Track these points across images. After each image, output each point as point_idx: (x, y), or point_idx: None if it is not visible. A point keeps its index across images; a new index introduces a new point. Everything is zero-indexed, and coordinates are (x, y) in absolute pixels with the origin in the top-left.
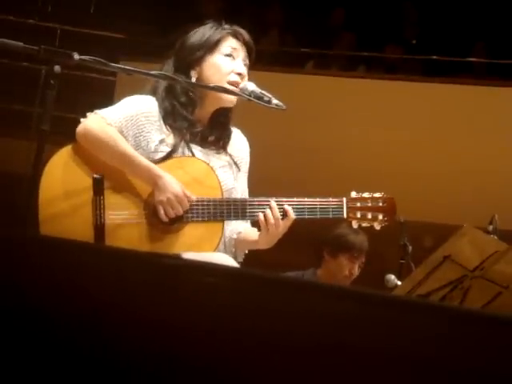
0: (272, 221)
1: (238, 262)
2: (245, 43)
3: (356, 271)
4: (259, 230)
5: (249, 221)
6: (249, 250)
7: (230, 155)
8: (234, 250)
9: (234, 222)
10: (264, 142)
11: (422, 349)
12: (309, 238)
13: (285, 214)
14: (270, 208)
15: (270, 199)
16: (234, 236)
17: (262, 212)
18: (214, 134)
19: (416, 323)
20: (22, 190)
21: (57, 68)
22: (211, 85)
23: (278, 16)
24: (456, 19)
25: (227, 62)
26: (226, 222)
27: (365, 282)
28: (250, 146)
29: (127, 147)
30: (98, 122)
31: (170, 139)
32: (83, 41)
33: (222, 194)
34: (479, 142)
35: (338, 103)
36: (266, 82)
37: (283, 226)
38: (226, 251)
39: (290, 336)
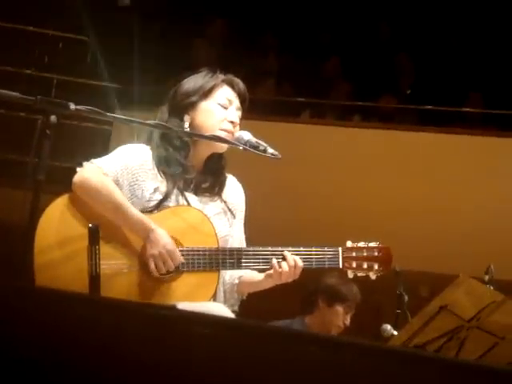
0: (287, 270)
1: (233, 311)
2: (239, 92)
3: (348, 322)
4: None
5: None
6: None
7: (225, 202)
8: (236, 295)
9: None
10: (259, 191)
11: None
12: (296, 286)
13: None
14: (284, 258)
15: (265, 249)
16: (236, 281)
17: (256, 262)
18: (208, 181)
19: (413, 374)
20: (17, 239)
21: (53, 118)
22: (207, 134)
23: (274, 65)
24: (450, 69)
25: (220, 110)
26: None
27: (361, 331)
28: (245, 194)
29: (121, 198)
30: (94, 172)
31: (164, 187)
32: (79, 91)
33: (218, 242)
34: (475, 191)
35: (334, 152)
36: (261, 130)
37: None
38: (225, 299)
39: None
